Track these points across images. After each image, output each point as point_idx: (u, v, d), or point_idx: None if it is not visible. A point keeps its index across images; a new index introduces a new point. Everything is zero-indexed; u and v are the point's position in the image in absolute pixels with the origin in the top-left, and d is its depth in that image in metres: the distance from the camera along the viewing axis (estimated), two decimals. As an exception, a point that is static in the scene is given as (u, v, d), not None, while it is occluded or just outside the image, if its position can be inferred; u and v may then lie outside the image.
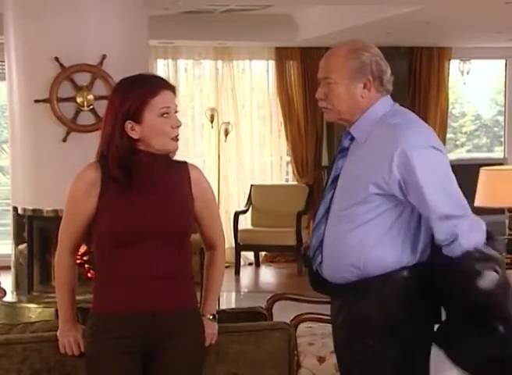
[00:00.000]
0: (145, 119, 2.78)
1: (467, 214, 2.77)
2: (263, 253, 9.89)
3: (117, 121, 2.78)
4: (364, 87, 2.83)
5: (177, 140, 2.84)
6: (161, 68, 9.76)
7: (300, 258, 9.09)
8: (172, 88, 2.85)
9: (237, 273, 9.20)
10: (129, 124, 2.78)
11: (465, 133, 11.52)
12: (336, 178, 2.89)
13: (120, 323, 2.81)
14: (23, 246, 6.68)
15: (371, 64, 2.83)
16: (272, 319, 4.00)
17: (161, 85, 2.83)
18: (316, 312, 4.30)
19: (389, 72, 2.89)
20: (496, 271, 2.71)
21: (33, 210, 6.51)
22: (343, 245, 2.82)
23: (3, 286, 6.72)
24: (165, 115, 2.80)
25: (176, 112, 2.85)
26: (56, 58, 6.24)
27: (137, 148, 2.80)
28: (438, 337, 2.87)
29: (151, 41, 7.30)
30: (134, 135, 2.79)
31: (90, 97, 6.33)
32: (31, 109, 6.40)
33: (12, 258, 6.78)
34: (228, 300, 8.03)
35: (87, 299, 3.08)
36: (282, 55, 9.90)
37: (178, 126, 2.84)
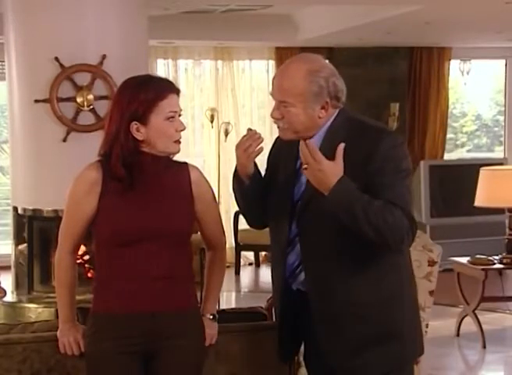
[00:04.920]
0: (151, 122, 2.78)
1: None
2: (263, 253, 9.88)
3: (123, 121, 2.77)
4: (322, 108, 2.77)
5: (179, 142, 2.85)
6: (161, 68, 9.75)
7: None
8: (177, 92, 2.85)
9: (237, 273, 9.20)
10: (134, 125, 2.77)
11: (465, 133, 11.50)
12: None
13: (120, 323, 2.81)
14: (23, 246, 6.68)
15: (328, 87, 2.75)
16: (272, 319, 3.99)
17: (169, 88, 2.82)
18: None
19: (344, 88, 2.81)
20: None
21: (33, 210, 6.51)
22: None
23: (3, 286, 6.73)
24: (171, 119, 2.80)
25: (180, 115, 2.85)
26: (56, 58, 6.24)
27: (140, 149, 2.81)
28: None
29: (151, 41, 7.30)
30: (139, 136, 2.79)
31: (90, 97, 6.33)
32: (31, 109, 6.40)
33: (12, 258, 6.77)
34: (228, 300, 8.02)
35: (87, 299, 3.09)
36: (282, 55, 9.86)
37: (182, 130, 2.84)
